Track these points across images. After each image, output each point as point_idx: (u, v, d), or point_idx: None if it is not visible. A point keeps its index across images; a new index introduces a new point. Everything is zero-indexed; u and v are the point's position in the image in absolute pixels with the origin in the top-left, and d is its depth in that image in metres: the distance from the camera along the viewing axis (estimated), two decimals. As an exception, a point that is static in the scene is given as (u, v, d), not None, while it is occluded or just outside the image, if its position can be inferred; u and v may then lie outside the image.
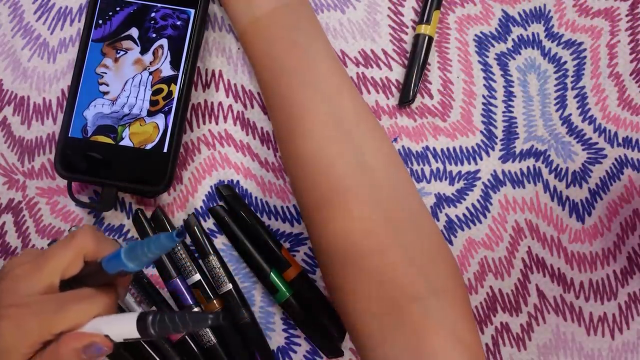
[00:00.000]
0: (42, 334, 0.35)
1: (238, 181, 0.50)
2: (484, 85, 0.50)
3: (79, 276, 0.38)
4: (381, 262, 0.40)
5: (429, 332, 0.39)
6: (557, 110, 0.50)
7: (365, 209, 0.41)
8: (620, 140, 0.50)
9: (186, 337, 0.47)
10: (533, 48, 0.50)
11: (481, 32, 0.51)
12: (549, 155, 0.50)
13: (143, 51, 0.47)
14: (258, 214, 0.49)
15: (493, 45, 0.50)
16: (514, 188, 0.50)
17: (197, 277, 0.47)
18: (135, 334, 0.34)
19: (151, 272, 0.49)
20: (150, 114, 0.47)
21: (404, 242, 0.41)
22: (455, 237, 0.49)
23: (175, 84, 0.47)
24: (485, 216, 0.49)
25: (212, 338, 0.47)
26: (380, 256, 0.40)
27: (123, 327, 0.34)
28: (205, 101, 0.50)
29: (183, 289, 0.47)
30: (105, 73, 0.47)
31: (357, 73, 0.50)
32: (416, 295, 0.39)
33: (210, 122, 0.50)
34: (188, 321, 0.33)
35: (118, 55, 0.47)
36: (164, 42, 0.47)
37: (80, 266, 0.38)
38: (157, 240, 0.32)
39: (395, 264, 0.40)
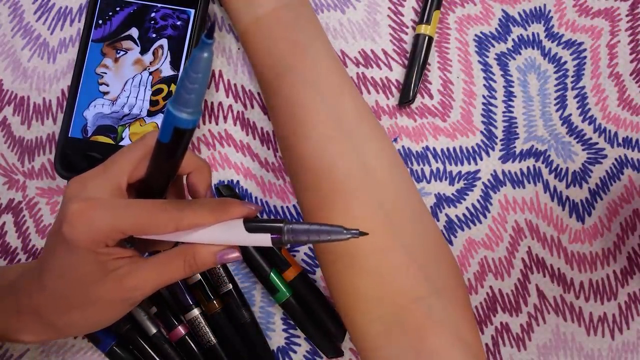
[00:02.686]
0: (111, 230, 0.33)
1: (238, 181, 0.50)
2: (484, 85, 0.50)
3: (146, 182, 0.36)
4: (382, 262, 0.40)
5: (430, 331, 0.39)
6: (557, 110, 0.50)
7: (366, 209, 0.41)
8: (620, 141, 0.50)
9: (186, 337, 0.47)
10: (533, 48, 0.50)
11: (481, 32, 0.51)
12: (549, 156, 0.50)
13: (143, 51, 0.47)
14: (258, 214, 0.49)
15: (493, 45, 0.50)
16: (514, 188, 0.50)
17: (197, 277, 0.47)
18: (268, 243, 0.35)
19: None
20: (151, 114, 0.47)
21: (405, 242, 0.41)
22: (455, 237, 0.49)
23: (176, 84, 0.47)
24: (485, 216, 0.49)
25: (212, 338, 0.47)
26: (381, 256, 0.40)
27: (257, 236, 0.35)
28: (205, 101, 0.50)
29: (183, 289, 0.47)
30: (105, 73, 0.47)
31: (357, 73, 0.50)
32: (417, 295, 0.40)
33: (210, 122, 0.50)
34: (324, 232, 0.33)
35: (118, 55, 0.47)
36: (164, 42, 0.47)
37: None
38: (191, 59, 0.28)
39: (397, 264, 0.40)
